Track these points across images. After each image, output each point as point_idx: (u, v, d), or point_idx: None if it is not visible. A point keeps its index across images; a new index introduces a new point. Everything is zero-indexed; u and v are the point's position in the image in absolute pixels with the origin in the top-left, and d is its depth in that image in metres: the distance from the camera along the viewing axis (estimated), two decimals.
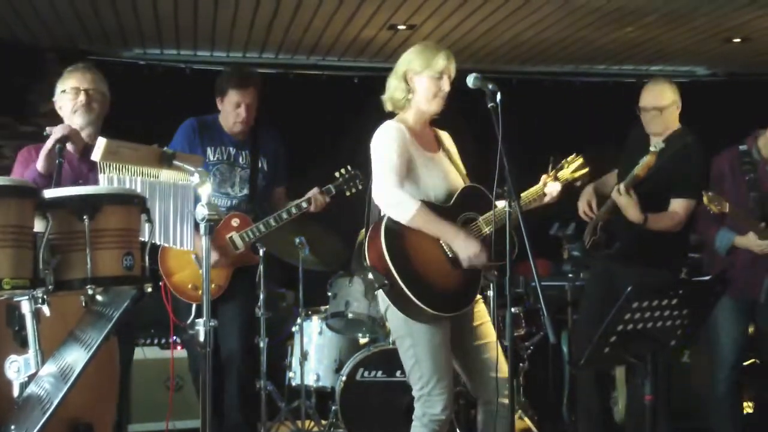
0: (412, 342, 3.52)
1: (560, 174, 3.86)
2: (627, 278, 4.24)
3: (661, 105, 4.58)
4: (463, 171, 3.77)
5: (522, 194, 3.70)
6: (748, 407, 6.15)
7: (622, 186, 4.35)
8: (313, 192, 4.59)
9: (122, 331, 4.03)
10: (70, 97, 3.92)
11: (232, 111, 4.56)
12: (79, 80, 3.96)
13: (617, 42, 6.66)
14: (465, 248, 3.48)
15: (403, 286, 3.42)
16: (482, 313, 3.67)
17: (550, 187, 3.80)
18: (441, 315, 3.46)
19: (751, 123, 7.05)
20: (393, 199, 3.48)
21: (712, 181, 4.54)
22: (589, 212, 4.56)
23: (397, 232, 3.49)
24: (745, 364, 6.46)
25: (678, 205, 4.50)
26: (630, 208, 4.35)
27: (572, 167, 3.89)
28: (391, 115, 3.73)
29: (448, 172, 3.67)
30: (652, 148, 4.31)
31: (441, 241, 3.52)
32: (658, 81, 4.72)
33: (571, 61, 7.29)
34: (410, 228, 3.49)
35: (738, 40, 6.57)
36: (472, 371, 3.67)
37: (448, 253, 3.52)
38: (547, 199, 3.80)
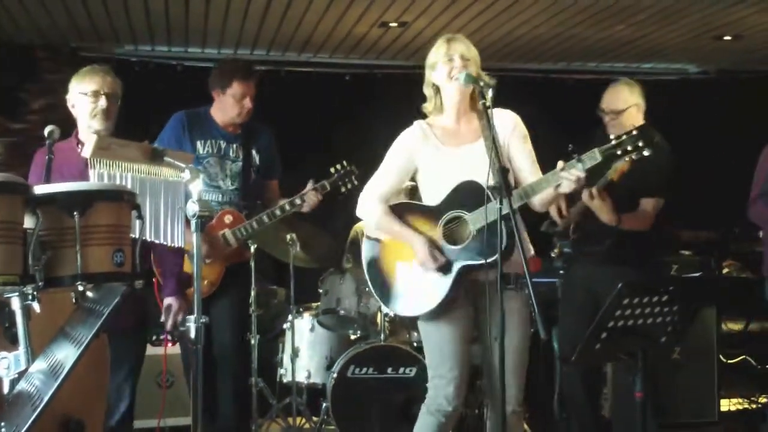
0: (424, 334, 3.68)
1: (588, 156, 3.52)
2: (607, 278, 4.25)
3: (618, 108, 4.59)
4: (520, 153, 3.62)
5: (538, 179, 3.54)
6: (737, 404, 6.18)
7: (594, 190, 4.34)
8: (308, 188, 4.58)
9: (137, 330, 4.13)
10: (90, 100, 3.90)
11: (235, 103, 4.54)
12: (100, 84, 3.93)
13: (608, 40, 6.68)
14: (417, 253, 3.56)
15: (369, 281, 3.71)
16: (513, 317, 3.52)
17: (567, 174, 3.44)
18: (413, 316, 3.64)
19: (741, 120, 7.10)
20: (363, 208, 3.72)
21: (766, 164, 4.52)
22: (559, 214, 4.59)
23: (374, 238, 3.75)
24: (732, 361, 6.52)
25: (648, 205, 4.54)
26: (604, 210, 4.36)
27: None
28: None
29: (471, 165, 3.53)
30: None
31: None
32: (617, 84, 4.71)
33: (563, 58, 7.31)
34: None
35: (729, 37, 6.59)
36: (486, 371, 3.69)
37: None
38: (563, 187, 3.48)
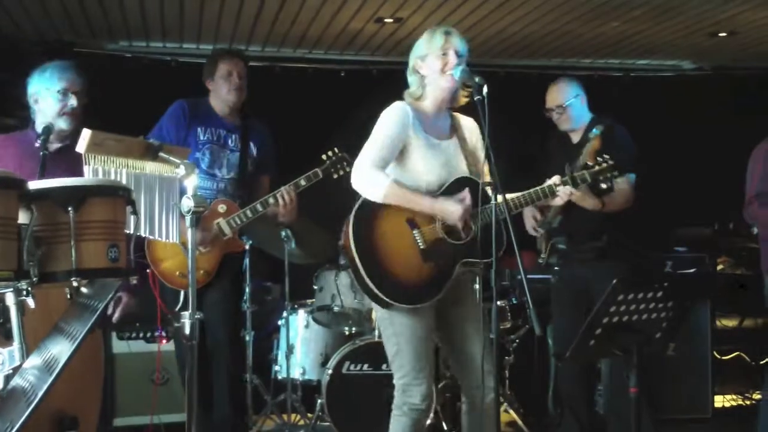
0: (394, 331, 3.55)
1: (579, 176, 3.91)
2: (597, 275, 4.43)
3: (563, 103, 4.77)
4: (479, 162, 3.68)
5: (528, 191, 3.70)
6: (731, 400, 6.19)
7: (566, 187, 4.38)
8: (282, 189, 4.53)
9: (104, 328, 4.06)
10: (60, 98, 3.83)
11: (224, 82, 4.57)
12: (71, 82, 3.87)
13: (603, 36, 6.68)
14: (449, 211, 3.49)
15: (362, 272, 3.48)
16: (474, 305, 3.65)
17: (561, 189, 3.81)
18: (397, 305, 3.49)
19: (736, 116, 7.11)
20: (365, 177, 3.51)
21: (763, 163, 4.53)
22: (536, 225, 4.63)
23: (367, 217, 3.54)
24: (726, 357, 6.54)
25: (623, 182, 4.56)
26: (585, 198, 4.38)
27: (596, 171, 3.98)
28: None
29: (451, 161, 3.62)
30: (590, 134, 4.46)
31: (414, 231, 3.53)
32: (558, 80, 4.92)
33: (558, 54, 7.30)
34: (382, 215, 3.53)
35: (724, 34, 6.59)
36: (457, 362, 3.68)
37: (420, 244, 3.53)
38: (557, 201, 3.81)
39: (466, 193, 3.50)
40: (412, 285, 3.52)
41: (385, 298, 3.47)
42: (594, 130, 4.45)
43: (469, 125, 3.76)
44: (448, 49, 3.55)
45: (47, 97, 3.85)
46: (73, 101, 3.84)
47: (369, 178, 3.49)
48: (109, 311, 4.19)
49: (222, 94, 4.60)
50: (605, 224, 4.56)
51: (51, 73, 3.87)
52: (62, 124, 3.84)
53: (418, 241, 3.53)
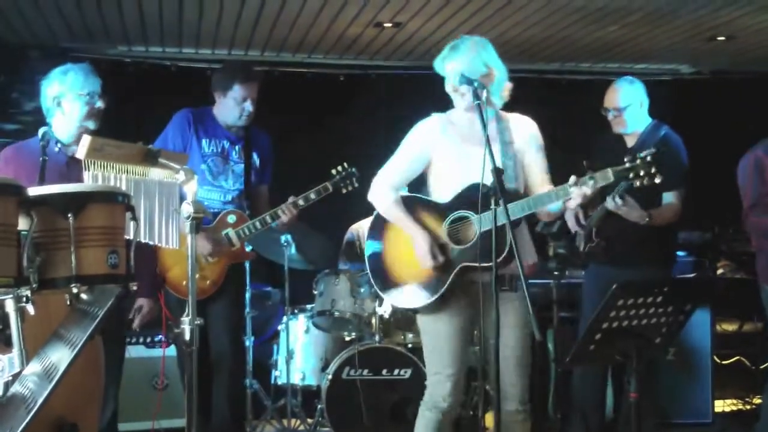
0: (423, 331, 3.72)
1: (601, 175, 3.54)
2: (625, 279, 4.30)
3: (620, 106, 4.68)
4: (531, 164, 3.67)
5: (542, 193, 3.59)
6: (732, 405, 6.19)
7: (617, 196, 4.37)
8: (288, 202, 4.55)
9: (113, 330, 4.05)
10: (87, 101, 3.88)
11: (236, 106, 4.55)
12: (94, 84, 3.93)
13: (601, 40, 6.68)
14: (417, 248, 3.62)
15: (368, 271, 3.77)
16: (513, 316, 3.59)
17: (575, 191, 3.48)
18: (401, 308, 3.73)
19: (735, 121, 7.11)
20: (375, 191, 3.74)
21: (752, 173, 4.53)
22: (576, 225, 4.61)
23: (380, 224, 3.79)
24: (727, 361, 6.53)
25: (673, 197, 4.62)
26: (633, 212, 4.41)
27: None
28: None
29: (479, 169, 3.48)
30: (641, 155, 4.28)
31: None
32: (620, 81, 4.79)
33: (556, 59, 7.31)
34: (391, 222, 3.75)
35: (722, 38, 6.60)
36: (487, 372, 3.75)
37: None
38: (570, 203, 3.54)
39: (440, 257, 3.57)
40: (410, 287, 3.65)
41: (397, 305, 3.75)
42: (643, 154, 3.87)
43: (523, 125, 3.73)
44: (446, 68, 3.62)
45: (74, 100, 3.89)
46: (100, 103, 3.92)
47: (377, 194, 3.73)
48: (130, 316, 4.23)
49: (230, 115, 4.58)
50: (645, 230, 4.52)
51: (75, 76, 3.91)
52: (90, 126, 3.90)
53: None
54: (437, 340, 3.62)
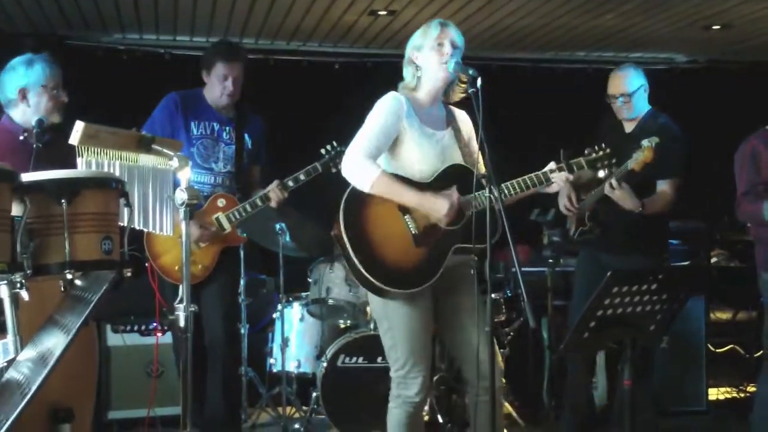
0: (389, 325, 3.55)
1: (575, 163, 3.73)
2: (617, 266, 4.30)
3: (628, 91, 4.68)
4: (474, 153, 3.60)
5: (522, 178, 3.62)
6: (726, 393, 6.21)
7: (614, 181, 4.38)
8: (272, 185, 4.54)
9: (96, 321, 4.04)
10: (54, 95, 3.80)
11: (219, 84, 4.55)
12: (58, 76, 3.83)
13: (597, 29, 6.68)
14: (435, 208, 3.47)
15: (354, 259, 3.44)
16: (470, 296, 3.62)
17: (556, 175, 3.62)
18: (391, 290, 3.45)
19: (730, 110, 7.11)
20: (355, 166, 3.46)
21: (748, 161, 4.55)
22: (571, 207, 4.61)
23: (358, 203, 3.51)
24: (721, 350, 6.55)
25: (666, 186, 4.63)
26: (627, 199, 4.43)
27: (593, 159, 3.81)
28: None
29: (445, 151, 3.60)
30: (645, 143, 4.30)
31: (406, 217, 3.51)
32: (624, 68, 4.80)
33: (551, 47, 7.30)
34: (373, 201, 3.49)
35: (718, 27, 6.59)
36: (457, 352, 3.69)
37: (412, 230, 3.51)
38: (553, 187, 3.65)
39: (453, 190, 3.49)
40: (404, 271, 3.49)
41: (377, 284, 3.43)
42: (646, 142, 4.29)
43: (463, 118, 3.75)
44: (444, 40, 3.53)
45: (42, 93, 3.79)
46: (64, 96, 3.83)
47: (359, 167, 3.46)
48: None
49: (214, 94, 4.59)
50: (637, 217, 4.53)
51: (42, 69, 3.80)
52: (55, 119, 3.81)
53: (410, 226, 3.51)
54: (407, 334, 3.51)
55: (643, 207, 4.46)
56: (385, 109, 3.55)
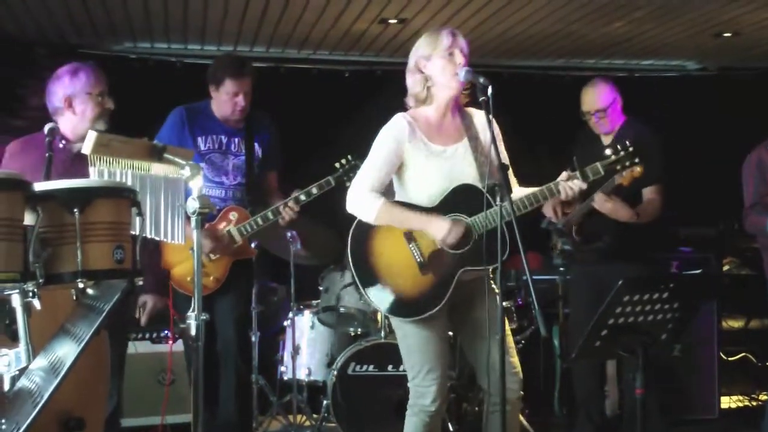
0: (403, 334, 3.59)
1: (591, 169, 3.68)
2: (612, 274, 4.29)
3: (602, 106, 4.70)
4: (495, 159, 3.40)
5: (533, 192, 3.61)
6: (738, 401, 6.18)
7: (602, 194, 4.38)
8: (290, 198, 4.54)
9: (119, 329, 4.06)
10: (99, 102, 3.85)
11: (229, 100, 4.53)
12: (103, 83, 3.89)
13: (607, 36, 6.67)
14: (437, 231, 3.48)
15: (361, 287, 3.56)
16: (484, 307, 3.57)
17: (567, 186, 3.60)
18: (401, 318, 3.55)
19: (741, 117, 7.09)
20: (358, 199, 3.54)
21: (754, 172, 4.54)
22: (556, 220, 4.61)
23: (363, 234, 3.59)
24: (733, 358, 6.53)
25: (652, 192, 4.65)
26: (619, 210, 4.43)
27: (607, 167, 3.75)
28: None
29: (455, 168, 3.55)
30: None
31: (411, 245, 3.53)
32: (595, 82, 4.81)
33: (562, 55, 7.30)
34: (378, 233, 3.57)
35: (728, 34, 6.58)
36: (474, 362, 3.70)
37: (417, 258, 3.53)
38: (562, 196, 3.63)
39: (457, 217, 3.49)
40: (413, 299, 3.53)
41: (387, 314, 3.58)
42: (627, 144, 4.05)
43: (481, 119, 3.63)
44: (455, 49, 3.52)
45: (87, 101, 3.86)
46: (110, 103, 3.89)
47: (361, 201, 3.54)
48: (136, 315, 4.22)
49: (223, 110, 4.56)
50: (617, 224, 4.53)
51: (86, 77, 3.87)
52: (101, 126, 3.85)
53: (415, 255, 3.54)
54: (422, 344, 3.53)
55: (638, 216, 4.46)
56: (385, 138, 3.57)
